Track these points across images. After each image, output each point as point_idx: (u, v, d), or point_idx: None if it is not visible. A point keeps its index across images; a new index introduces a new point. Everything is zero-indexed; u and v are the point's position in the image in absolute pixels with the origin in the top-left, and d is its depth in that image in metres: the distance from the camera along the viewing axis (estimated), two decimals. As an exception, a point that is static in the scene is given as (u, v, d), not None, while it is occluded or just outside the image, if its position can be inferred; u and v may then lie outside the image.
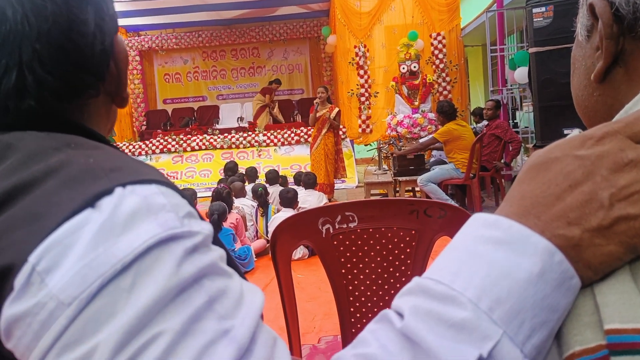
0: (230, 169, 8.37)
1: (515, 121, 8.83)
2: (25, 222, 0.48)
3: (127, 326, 0.44)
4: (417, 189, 7.04)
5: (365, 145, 11.03)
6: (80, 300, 0.44)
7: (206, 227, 0.54)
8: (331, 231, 1.54)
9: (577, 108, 0.73)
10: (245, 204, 6.31)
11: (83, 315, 0.44)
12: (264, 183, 6.99)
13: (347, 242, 1.56)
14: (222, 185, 6.18)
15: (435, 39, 10.67)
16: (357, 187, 10.11)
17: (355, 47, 10.84)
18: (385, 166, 8.37)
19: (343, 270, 1.59)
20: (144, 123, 14.68)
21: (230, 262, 0.58)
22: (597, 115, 0.66)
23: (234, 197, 6.14)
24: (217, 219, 5.06)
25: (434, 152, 8.19)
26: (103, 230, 0.47)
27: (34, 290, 0.45)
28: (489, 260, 0.48)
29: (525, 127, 8.40)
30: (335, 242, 1.56)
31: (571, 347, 0.46)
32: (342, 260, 1.57)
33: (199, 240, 0.51)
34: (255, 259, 5.42)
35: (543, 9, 5.20)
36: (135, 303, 0.45)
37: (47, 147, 0.56)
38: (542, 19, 5.20)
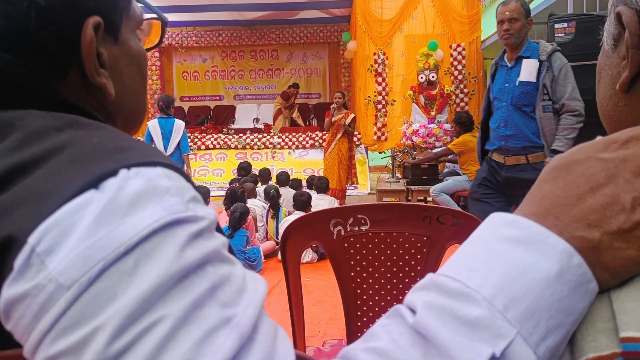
0: (244, 168, 8.37)
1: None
2: (27, 202, 0.47)
3: (127, 310, 0.43)
4: (429, 198, 7.01)
5: (380, 152, 11.00)
6: (80, 283, 0.44)
7: (211, 213, 0.53)
8: (342, 233, 1.54)
9: (602, 118, 0.72)
10: (256, 205, 6.31)
11: (83, 298, 0.43)
12: (276, 185, 7.00)
13: (358, 245, 1.56)
14: (236, 184, 6.19)
15: (455, 50, 10.63)
16: (369, 194, 10.11)
17: (374, 54, 10.81)
18: (398, 174, 8.35)
19: (352, 273, 1.58)
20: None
21: (231, 252, 0.57)
22: (622, 126, 0.65)
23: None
24: (238, 217, 5.08)
25: (448, 164, 8.14)
26: (106, 212, 0.46)
27: (33, 272, 0.45)
28: (506, 258, 0.47)
29: (542, 143, 8.33)
30: (346, 245, 1.56)
31: (585, 353, 0.45)
32: (352, 263, 1.57)
33: (204, 225, 0.50)
34: (263, 260, 5.42)
35: (565, 24, 5.17)
36: (136, 287, 0.44)
37: (49, 127, 0.55)
38: (563, 34, 5.17)
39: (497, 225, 0.51)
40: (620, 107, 0.66)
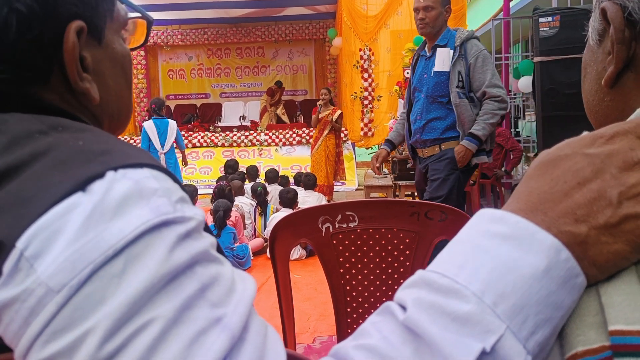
0: (231, 166, 8.36)
1: (517, 130, 8.82)
2: (13, 207, 0.47)
3: (117, 313, 0.43)
4: (416, 193, 7.03)
5: (367, 148, 11.02)
6: (69, 287, 0.43)
7: (199, 213, 0.53)
8: (331, 230, 1.54)
9: (587, 113, 0.72)
10: (244, 203, 6.30)
11: (72, 301, 0.43)
12: (264, 182, 6.99)
13: (347, 242, 1.56)
14: (224, 182, 6.18)
15: (440, 45, 10.65)
16: (356, 189, 10.12)
17: (360, 50, 10.82)
18: (385, 170, 8.36)
19: (341, 270, 1.58)
20: (146, 118, 14.66)
21: (219, 251, 0.57)
22: (608, 121, 0.66)
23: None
24: (222, 215, 5.07)
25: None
26: (94, 215, 0.46)
27: (22, 276, 0.44)
28: (495, 254, 0.47)
29: (527, 137, 8.39)
30: (334, 242, 1.55)
31: (574, 347, 0.46)
32: (341, 259, 1.57)
33: (192, 226, 0.50)
34: (252, 258, 5.41)
35: (550, 18, 5.19)
36: (125, 289, 0.44)
37: (33, 131, 0.54)
38: (548, 28, 5.19)
39: (484, 222, 0.51)
40: (605, 102, 0.67)
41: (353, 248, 1.56)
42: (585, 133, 0.53)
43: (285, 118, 13.48)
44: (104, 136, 0.58)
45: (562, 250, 0.46)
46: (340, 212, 1.52)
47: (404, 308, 0.49)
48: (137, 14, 0.79)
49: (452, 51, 3.48)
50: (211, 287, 0.48)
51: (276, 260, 1.55)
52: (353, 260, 1.57)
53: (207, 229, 0.57)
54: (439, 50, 3.52)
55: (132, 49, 0.79)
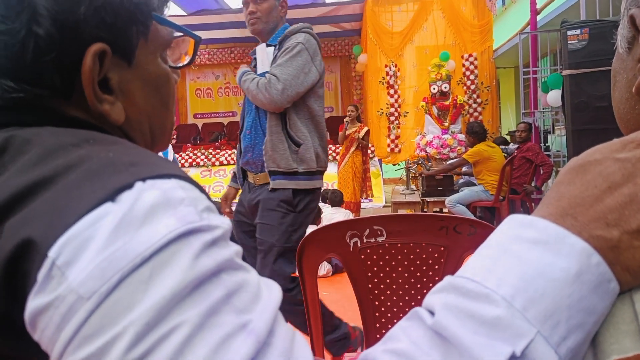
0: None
1: (547, 144, 8.73)
2: (47, 215, 0.48)
3: (145, 318, 0.44)
4: (445, 210, 6.99)
5: (394, 164, 11.00)
6: (99, 294, 0.44)
7: (226, 222, 0.54)
8: (359, 245, 1.53)
9: (618, 122, 0.71)
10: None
11: (102, 308, 0.44)
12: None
13: (375, 257, 1.55)
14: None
15: (467, 60, 10.64)
16: (384, 206, 10.09)
17: (386, 66, 10.86)
18: (413, 186, 8.34)
19: (370, 285, 1.57)
20: (174, 137, 14.88)
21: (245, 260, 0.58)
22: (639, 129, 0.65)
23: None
24: None
25: (464, 176, 8.12)
26: (122, 224, 0.47)
27: (54, 284, 0.46)
28: (524, 259, 0.47)
29: (557, 151, 8.29)
30: (362, 256, 1.55)
31: (608, 355, 0.44)
32: (369, 274, 1.56)
33: (218, 234, 0.51)
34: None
35: (578, 31, 5.15)
36: (153, 295, 0.45)
37: (66, 143, 0.56)
38: (576, 41, 5.15)
39: (513, 227, 0.50)
40: (637, 110, 0.66)
41: (381, 263, 1.55)
42: (615, 139, 0.52)
43: None
44: (134, 149, 0.60)
45: (593, 255, 0.45)
46: (368, 227, 1.51)
47: (432, 313, 0.49)
48: (182, 34, 0.79)
49: (273, 49, 2.79)
50: (237, 294, 0.49)
51: (304, 275, 1.55)
52: (381, 275, 1.56)
53: (233, 238, 0.57)
54: (258, 49, 2.84)
55: (178, 67, 0.79)
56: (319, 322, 1.59)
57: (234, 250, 0.52)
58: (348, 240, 1.52)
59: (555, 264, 0.45)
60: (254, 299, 0.50)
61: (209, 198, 0.56)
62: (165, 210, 0.49)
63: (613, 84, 0.72)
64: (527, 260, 0.47)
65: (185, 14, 11.33)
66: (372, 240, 1.52)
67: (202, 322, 0.45)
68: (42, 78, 0.61)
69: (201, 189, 0.56)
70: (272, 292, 0.53)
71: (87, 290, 0.45)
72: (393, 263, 1.54)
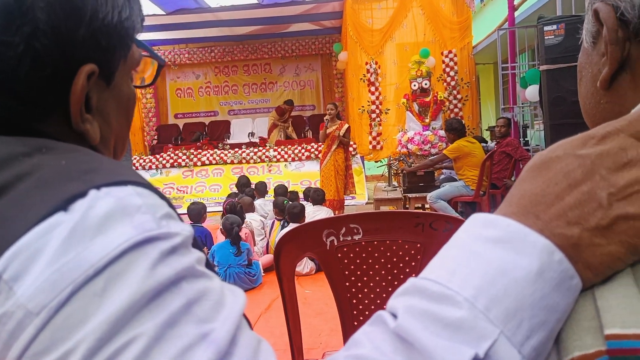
0: (244, 184, 8.35)
1: (526, 139, 8.79)
2: None
3: (98, 332, 0.42)
4: (426, 205, 7.01)
5: (376, 161, 11.01)
6: (49, 308, 0.43)
7: (186, 229, 0.52)
8: (335, 243, 1.53)
9: (585, 117, 0.71)
10: (253, 219, 6.29)
11: (52, 323, 0.43)
12: (272, 198, 6.98)
13: (352, 255, 1.55)
14: (237, 199, 6.17)
15: (446, 56, 10.68)
16: (367, 203, 10.10)
17: (366, 63, 10.86)
18: (395, 183, 8.35)
19: (347, 283, 1.57)
20: (155, 137, 14.78)
21: (208, 266, 0.57)
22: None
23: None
24: (237, 231, 5.07)
25: (444, 170, 8.16)
26: (74, 234, 0.45)
27: (1, 300, 0.44)
28: (487, 259, 0.47)
29: (537, 145, 8.36)
30: (339, 255, 1.54)
31: (570, 352, 0.45)
32: (347, 273, 1.55)
33: (177, 241, 0.50)
34: (263, 274, 5.39)
35: (554, 26, 5.18)
36: (107, 308, 0.43)
37: (17, 153, 0.54)
38: (553, 36, 5.18)
39: (476, 227, 0.50)
40: (602, 105, 0.66)
41: (358, 261, 1.55)
42: (578, 135, 0.52)
43: (294, 136, 13.48)
44: (90, 155, 0.58)
45: (555, 252, 0.45)
46: (344, 225, 1.51)
47: (395, 316, 0.48)
48: (149, 54, 0.79)
49: None
50: (198, 303, 0.47)
51: (282, 275, 1.55)
52: (359, 273, 1.56)
53: (196, 244, 0.56)
54: None
55: (138, 87, 0.79)
56: (297, 322, 1.59)
57: (195, 257, 0.51)
58: (325, 239, 1.52)
59: (518, 263, 0.45)
60: (216, 307, 0.48)
61: (169, 204, 0.55)
62: (121, 218, 0.48)
63: (579, 79, 0.72)
64: (489, 260, 0.46)
65: (164, 13, 11.22)
66: (349, 238, 1.52)
67: (160, 333, 0.44)
68: (30, 94, 0.59)
69: (161, 196, 0.55)
70: (236, 298, 0.52)
71: (36, 305, 0.43)
72: (370, 261, 1.54)
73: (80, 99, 0.62)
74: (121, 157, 0.77)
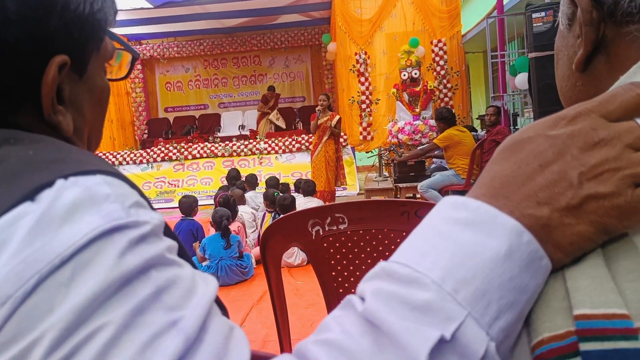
0: (234, 176, 8.34)
1: (516, 127, 8.81)
2: None
3: (65, 321, 0.42)
4: (417, 195, 7.02)
5: (367, 152, 11.03)
6: (15, 298, 0.42)
7: (156, 217, 0.52)
8: (321, 233, 1.52)
9: (562, 100, 0.71)
10: (245, 212, 6.29)
11: (18, 313, 0.42)
12: (264, 190, 6.97)
13: (338, 244, 1.54)
14: (229, 192, 6.16)
15: (436, 45, 10.68)
16: (358, 194, 10.11)
17: (356, 54, 10.85)
18: (386, 173, 8.37)
19: (333, 273, 1.56)
20: (146, 132, 14.75)
21: (183, 255, 0.56)
22: None
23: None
24: (227, 224, 5.06)
25: (435, 159, 8.17)
26: (41, 224, 0.45)
27: None
28: (455, 241, 0.46)
29: (527, 133, 8.37)
30: (325, 244, 1.54)
31: (540, 333, 0.44)
32: (333, 262, 1.55)
33: (146, 230, 0.49)
34: (255, 266, 5.39)
35: (542, 14, 5.19)
36: (74, 297, 0.43)
37: None
38: (541, 24, 5.19)
39: (446, 209, 0.50)
40: (578, 87, 0.66)
41: (344, 250, 1.54)
42: (549, 116, 0.52)
43: (280, 123, 13.40)
44: (58, 145, 0.58)
45: (524, 233, 0.45)
46: (330, 215, 1.50)
47: (363, 300, 0.48)
48: (122, 47, 0.79)
49: None
50: (167, 291, 0.47)
51: (268, 266, 1.54)
52: (345, 262, 1.55)
53: (169, 233, 0.56)
54: None
55: (113, 80, 0.79)
56: (285, 313, 1.58)
57: (165, 245, 0.51)
58: (310, 229, 1.51)
59: (486, 244, 0.45)
60: (186, 294, 0.48)
61: (140, 193, 0.55)
62: (88, 207, 0.47)
63: (556, 62, 0.72)
64: (458, 242, 0.46)
65: (152, 6, 11.15)
66: (334, 228, 1.51)
67: (128, 321, 0.43)
68: (1, 85, 0.59)
69: (132, 185, 0.54)
70: (207, 286, 0.52)
71: (2, 296, 0.42)
72: (356, 250, 1.54)
73: (51, 90, 0.61)
74: (96, 149, 0.76)
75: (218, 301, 0.67)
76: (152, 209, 0.55)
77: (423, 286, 0.45)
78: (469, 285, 0.44)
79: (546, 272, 0.46)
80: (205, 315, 0.48)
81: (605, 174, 0.45)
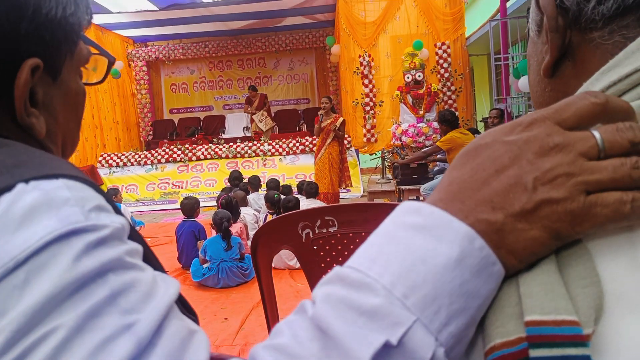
0: (237, 177, 8.35)
1: (520, 130, 8.78)
2: None
3: (16, 324, 0.42)
4: (421, 198, 7.01)
5: (370, 154, 11.01)
6: None
7: (117, 221, 0.52)
8: (311, 236, 1.53)
9: (534, 105, 0.72)
10: (247, 213, 6.29)
11: None
12: (265, 192, 6.98)
13: (327, 247, 1.55)
14: (232, 194, 6.17)
15: (440, 48, 10.66)
16: (362, 196, 10.10)
17: (360, 56, 10.84)
18: (389, 175, 8.35)
19: (323, 276, 1.56)
20: (151, 133, 14.77)
21: (150, 259, 0.56)
22: None
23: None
24: (227, 226, 5.07)
25: (438, 162, 8.16)
26: None
27: None
28: (407, 246, 0.46)
29: (530, 136, 8.34)
30: (315, 247, 1.55)
31: (492, 339, 0.44)
32: (323, 265, 1.56)
33: (105, 234, 0.49)
34: (256, 268, 5.37)
35: (544, 17, 5.17)
36: (27, 300, 0.43)
37: None
38: (543, 27, 5.17)
39: (401, 215, 0.50)
40: (547, 93, 0.66)
41: (334, 253, 1.55)
42: (507, 122, 0.52)
43: (263, 125, 12.89)
44: (22, 149, 0.58)
45: (476, 239, 0.45)
46: (320, 217, 1.51)
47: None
48: (98, 52, 0.80)
49: None
50: (124, 294, 0.47)
51: (259, 268, 1.54)
52: (334, 265, 1.55)
53: (135, 237, 0.56)
54: None
55: (88, 85, 0.79)
56: (275, 315, 1.59)
57: (125, 249, 0.51)
58: (300, 232, 1.52)
59: (438, 250, 0.45)
60: (144, 298, 0.49)
61: (105, 197, 0.55)
62: (46, 211, 0.48)
63: (528, 68, 0.72)
64: (410, 247, 0.46)
65: (157, 9, 11.20)
66: (324, 230, 1.52)
67: (81, 325, 0.44)
68: None
69: (96, 188, 0.55)
70: (168, 289, 0.52)
71: None
72: (346, 253, 1.54)
73: (24, 92, 0.62)
74: (71, 153, 0.77)
75: (187, 305, 0.68)
76: (118, 213, 0.55)
77: (373, 291, 0.45)
78: (419, 291, 0.44)
79: (499, 278, 0.46)
80: (161, 319, 0.48)
81: (558, 179, 0.45)
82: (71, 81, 0.71)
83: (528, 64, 0.72)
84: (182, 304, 0.64)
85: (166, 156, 11.39)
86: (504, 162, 0.48)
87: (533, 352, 0.42)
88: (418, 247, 0.46)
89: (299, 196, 6.61)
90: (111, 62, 0.82)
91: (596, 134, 0.47)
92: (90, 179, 0.56)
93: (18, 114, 0.63)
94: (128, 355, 0.44)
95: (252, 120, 13.13)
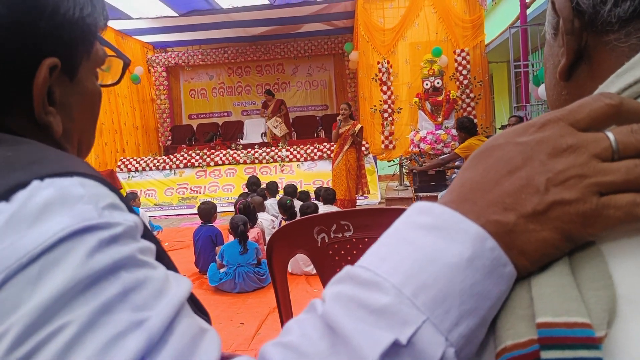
0: (255, 183, 8.40)
1: (539, 138, 8.72)
2: None
3: (30, 317, 0.43)
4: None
5: (388, 161, 10.99)
6: None
7: (130, 219, 0.53)
8: (326, 240, 1.53)
9: (550, 108, 0.71)
10: (264, 219, 6.31)
11: None
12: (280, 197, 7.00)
13: (343, 252, 1.55)
14: (249, 199, 6.19)
15: (459, 55, 10.63)
16: (379, 203, 10.08)
17: (378, 63, 10.84)
18: (406, 182, 8.33)
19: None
20: (169, 138, 14.89)
21: (163, 258, 0.57)
22: None
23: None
24: (243, 229, 5.08)
25: (456, 170, 8.12)
26: (11, 223, 0.46)
27: None
28: (418, 245, 0.46)
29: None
30: (330, 252, 1.54)
31: (503, 341, 0.44)
32: (338, 270, 1.54)
33: (118, 231, 0.50)
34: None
35: (564, 23, 5.14)
36: (40, 294, 0.44)
37: None
38: (564, 34, 5.14)
39: (412, 215, 0.50)
40: (563, 96, 0.66)
41: (349, 258, 1.55)
42: (520, 124, 0.52)
43: (277, 131, 12.78)
44: (39, 147, 0.59)
45: (487, 239, 0.45)
46: (335, 222, 1.51)
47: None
48: (114, 53, 0.81)
49: None
50: (136, 291, 0.48)
51: (274, 272, 1.55)
52: (349, 269, 1.55)
53: (148, 236, 0.57)
54: None
55: (104, 86, 0.80)
56: (290, 318, 1.59)
57: (137, 247, 0.52)
58: (316, 236, 1.52)
59: (448, 250, 0.45)
60: (156, 295, 0.49)
61: (119, 195, 0.56)
62: (60, 207, 0.48)
63: (545, 71, 0.72)
64: (421, 247, 0.46)
65: (177, 15, 11.29)
66: (340, 235, 1.51)
67: (93, 320, 0.44)
68: None
69: (110, 187, 0.55)
70: (180, 287, 0.52)
71: None
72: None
73: (42, 91, 0.63)
74: (87, 153, 0.78)
75: (199, 305, 0.68)
76: (131, 211, 0.56)
77: (383, 290, 0.45)
78: (429, 290, 0.44)
79: (510, 279, 0.46)
80: (172, 316, 0.48)
81: (571, 180, 0.45)
82: (88, 81, 0.72)
83: (545, 67, 0.72)
84: (194, 303, 0.65)
85: (184, 161, 11.46)
86: (517, 163, 0.48)
87: (544, 354, 0.41)
88: (429, 247, 0.46)
89: (317, 202, 6.62)
90: (126, 64, 0.83)
91: (610, 135, 0.46)
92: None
93: (36, 112, 0.64)
94: (139, 351, 0.44)
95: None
